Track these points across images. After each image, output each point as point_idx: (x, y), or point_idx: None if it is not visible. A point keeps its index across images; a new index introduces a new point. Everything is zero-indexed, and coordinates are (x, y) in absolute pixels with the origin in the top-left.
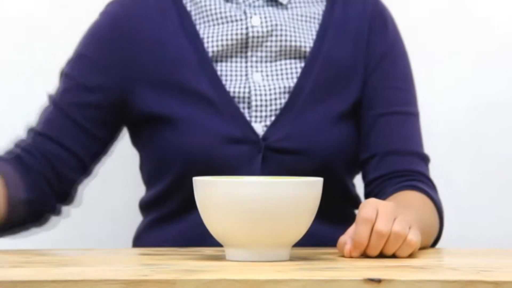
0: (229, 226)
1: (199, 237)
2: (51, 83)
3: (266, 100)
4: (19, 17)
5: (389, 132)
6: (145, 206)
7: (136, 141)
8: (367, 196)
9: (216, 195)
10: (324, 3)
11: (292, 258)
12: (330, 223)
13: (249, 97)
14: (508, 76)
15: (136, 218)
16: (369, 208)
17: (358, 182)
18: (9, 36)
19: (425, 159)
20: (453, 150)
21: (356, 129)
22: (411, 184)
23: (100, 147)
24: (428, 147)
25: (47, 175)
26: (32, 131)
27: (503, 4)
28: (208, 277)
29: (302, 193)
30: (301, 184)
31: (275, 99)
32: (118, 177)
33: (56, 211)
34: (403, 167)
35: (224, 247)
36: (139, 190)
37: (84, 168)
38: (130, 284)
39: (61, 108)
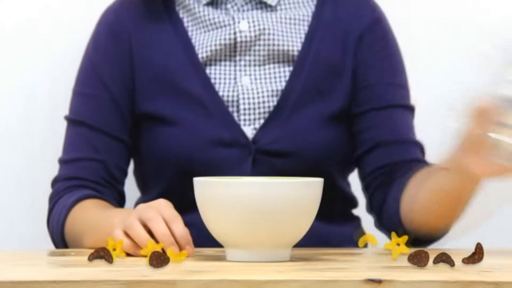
0: (229, 227)
1: (195, 239)
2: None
3: (254, 104)
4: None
5: (395, 122)
6: None
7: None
8: (369, 184)
9: (216, 196)
10: (315, 3)
11: (293, 259)
12: (326, 222)
13: (237, 101)
14: None
15: None
16: None
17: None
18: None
19: (424, 153)
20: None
21: (347, 130)
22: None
23: (130, 154)
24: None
25: (116, 196)
26: (81, 160)
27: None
28: (208, 278)
29: (303, 193)
30: (301, 184)
31: (263, 102)
32: None
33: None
34: (416, 156)
35: (225, 247)
36: (137, 190)
37: (126, 174)
38: (130, 284)
39: (92, 125)
